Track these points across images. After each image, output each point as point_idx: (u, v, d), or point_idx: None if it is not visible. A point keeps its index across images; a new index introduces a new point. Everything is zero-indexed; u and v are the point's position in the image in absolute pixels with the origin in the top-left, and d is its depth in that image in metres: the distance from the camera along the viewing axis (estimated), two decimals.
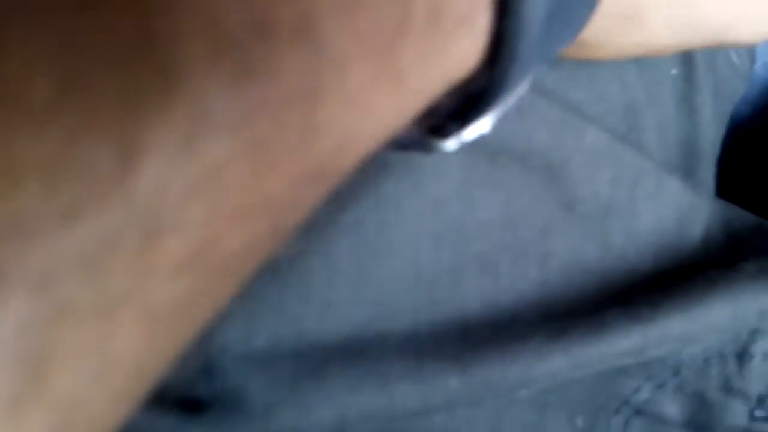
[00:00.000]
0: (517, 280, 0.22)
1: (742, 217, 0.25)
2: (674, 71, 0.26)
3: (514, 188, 0.22)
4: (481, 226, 0.22)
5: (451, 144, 0.15)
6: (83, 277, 0.09)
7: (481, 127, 0.15)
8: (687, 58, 0.26)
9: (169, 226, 0.09)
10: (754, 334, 0.24)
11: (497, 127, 0.22)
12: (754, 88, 0.35)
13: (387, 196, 0.21)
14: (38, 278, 0.08)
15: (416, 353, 0.21)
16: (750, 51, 0.29)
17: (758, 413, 0.24)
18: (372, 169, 0.21)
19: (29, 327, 0.08)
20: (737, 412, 0.24)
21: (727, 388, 0.24)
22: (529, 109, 0.22)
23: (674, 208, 0.24)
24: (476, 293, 0.22)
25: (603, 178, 0.23)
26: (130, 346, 0.10)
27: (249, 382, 0.21)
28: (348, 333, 0.21)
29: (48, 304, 0.08)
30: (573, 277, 0.23)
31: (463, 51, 0.13)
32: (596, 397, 0.24)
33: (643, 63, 0.25)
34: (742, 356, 0.24)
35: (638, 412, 0.24)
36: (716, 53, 0.27)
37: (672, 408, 0.24)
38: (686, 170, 0.26)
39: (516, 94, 0.15)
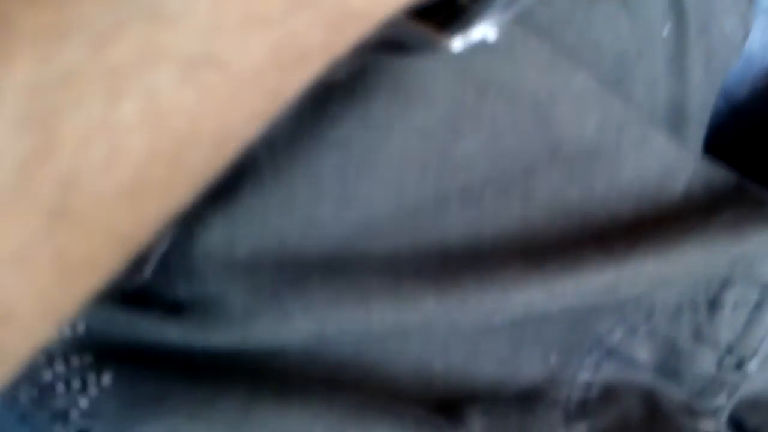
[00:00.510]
0: (499, 215, 0.23)
1: (724, 176, 0.25)
2: (666, 32, 0.27)
3: (500, 123, 0.23)
4: (465, 157, 0.23)
5: (457, 43, 0.16)
6: (89, 47, 0.09)
7: (486, 30, 0.16)
8: (679, 19, 0.27)
9: (171, 15, 0.10)
10: (725, 283, 0.24)
11: (487, 61, 0.23)
12: (752, 69, 0.35)
13: (375, 118, 0.21)
14: (45, 39, 0.09)
15: (396, 273, 0.22)
16: (744, 22, 0.30)
17: (726, 362, 0.25)
18: (361, 90, 0.21)
19: (37, 88, 0.09)
20: (706, 360, 0.25)
21: (698, 336, 0.25)
22: (520, 46, 0.22)
23: (658, 160, 0.25)
24: (458, 223, 0.23)
25: (589, 123, 0.23)
26: (134, 140, 0.10)
27: (229, 288, 0.21)
28: (330, 249, 0.22)
29: (55, 68, 0.09)
30: (554, 217, 0.24)
31: None
32: (570, 336, 0.25)
33: (636, 17, 0.26)
34: (713, 304, 0.25)
35: (610, 353, 0.25)
36: (708, 20, 0.28)
37: (643, 352, 0.25)
38: (672, 131, 0.27)
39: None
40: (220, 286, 0.21)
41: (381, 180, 0.22)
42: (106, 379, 0.23)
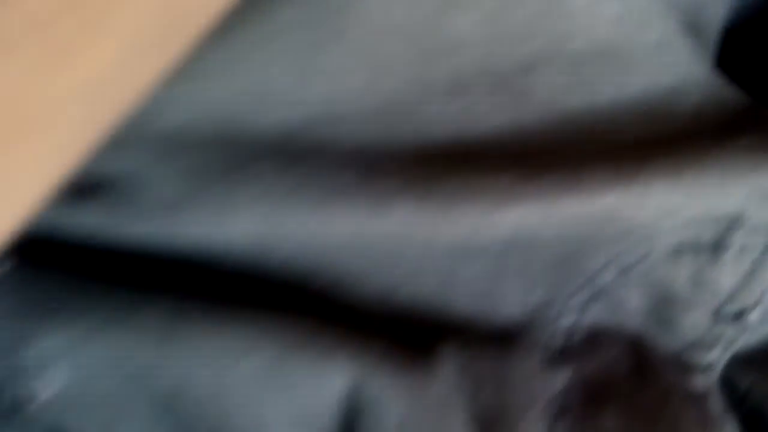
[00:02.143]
0: (490, 112, 0.20)
1: (737, 98, 0.23)
2: None
3: (505, 2, 0.19)
4: (459, 37, 0.19)
5: None
6: None
7: None
8: None
9: None
10: (733, 222, 0.22)
11: None
12: None
13: None
14: None
15: (366, 169, 0.19)
16: None
17: (725, 312, 0.23)
18: None
19: None
20: (704, 309, 0.23)
21: (697, 280, 0.23)
22: None
23: (673, 70, 0.22)
24: (443, 116, 0.20)
25: (605, 13, 0.21)
26: None
27: (156, 167, 0.17)
28: (287, 130, 0.18)
29: None
30: (552, 124, 0.21)
31: None
32: (558, 271, 0.22)
33: None
34: (718, 246, 0.22)
35: (599, 294, 0.23)
36: None
37: (635, 295, 0.23)
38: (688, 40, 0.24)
39: None
40: (145, 162, 0.17)
41: (356, 51, 0.18)
42: (6, 265, 0.18)
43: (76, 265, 0.19)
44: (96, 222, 0.18)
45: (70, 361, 0.19)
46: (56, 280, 0.19)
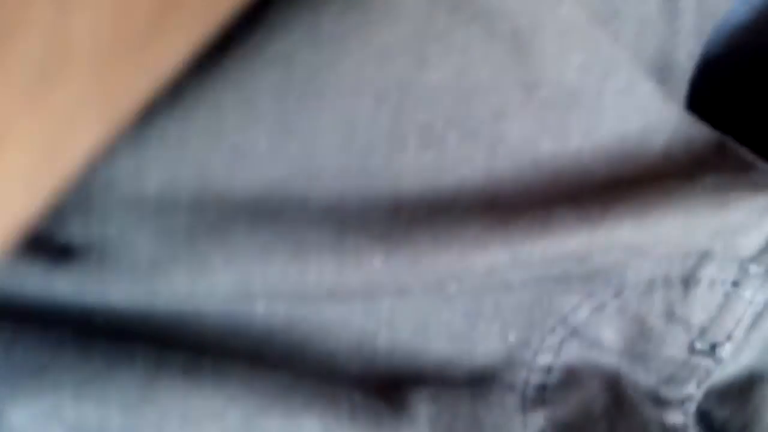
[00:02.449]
0: (462, 162, 0.20)
1: (705, 134, 0.23)
2: None
3: (473, 53, 0.20)
4: (429, 91, 0.20)
5: None
6: None
7: None
8: None
9: None
10: (703, 257, 0.22)
11: None
12: (728, 24, 0.33)
13: (325, 33, 0.18)
14: None
15: (338, 224, 0.19)
16: None
17: (698, 345, 0.23)
18: None
19: None
20: (677, 343, 0.23)
21: (669, 315, 0.23)
22: None
23: (641, 113, 0.23)
24: (414, 168, 0.20)
25: (572, 62, 0.21)
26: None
27: (135, 230, 0.18)
28: (260, 189, 0.19)
29: None
30: (523, 168, 0.21)
31: None
32: (532, 312, 0.23)
33: None
34: (689, 281, 0.23)
35: (574, 332, 0.23)
36: None
37: (610, 332, 0.23)
38: (659, 80, 0.24)
39: None
40: (124, 227, 0.18)
41: (327, 110, 0.19)
42: None
43: (48, 333, 0.19)
44: (72, 286, 0.18)
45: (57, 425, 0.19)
46: (27, 350, 0.19)
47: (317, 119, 0.19)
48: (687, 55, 0.26)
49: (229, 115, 0.18)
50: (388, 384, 0.21)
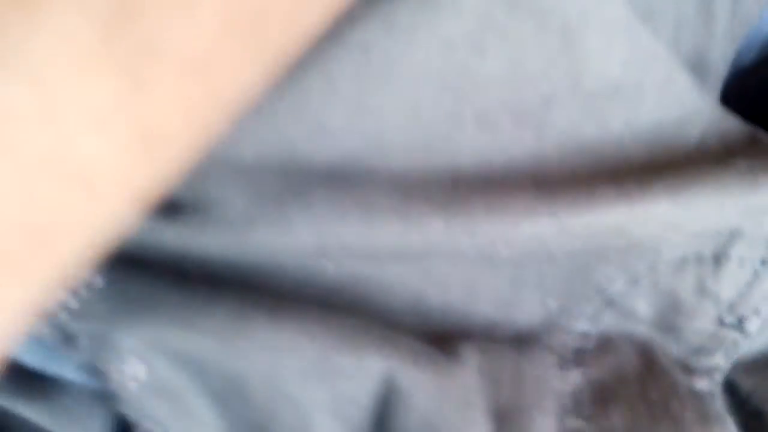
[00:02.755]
0: (513, 143, 0.23)
1: (739, 127, 0.25)
2: None
3: (527, 46, 0.22)
4: (486, 78, 0.22)
5: None
6: None
7: None
8: None
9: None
10: (733, 236, 0.24)
11: None
12: (761, 34, 0.35)
13: (399, 25, 0.21)
14: None
15: (403, 192, 0.22)
16: None
17: (727, 319, 0.25)
18: None
19: None
20: (707, 316, 0.25)
21: (700, 290, 0.25)
22: None
23: (678, 104, 0.25)
24: (471, 147, 0.22)
25: (616, 56, 0.23)
26: (209, 11, 0.11)
27: (231, 191, 0.21)
28: (338, 160, 0.21)
29: None
30: (567, 151, 0.24)
31: None
32: (571, 282, 0.25)
33: None
34: (719, 258, 0.25)
35: (610, 303, 0.25)
36: None
37: (643, 304, 0.25)
38: (694, 78, 0.27)
39: None
40: (223, 188, 0.21)
41: (398, 92, 0.22)
42: (98, 281, 0.22)
43: (156, 275, 0.22)
44: (178, 237, 0.21)
45: (146, 359, 0.22)
46: (138, 289, 0.22)
47: (388, 100, 0.21)
48: (721, 57, 0.28)
49: (312, 94, 0.21)
50: (441, 336, 0.24)
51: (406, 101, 0.22)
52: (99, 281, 0.22)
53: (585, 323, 0.25)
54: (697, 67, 0.27)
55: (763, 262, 0.25)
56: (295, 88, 0.21)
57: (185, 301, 0.21)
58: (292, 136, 0.21)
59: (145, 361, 0.22)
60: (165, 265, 0.22)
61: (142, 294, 0.21)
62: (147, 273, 0.22)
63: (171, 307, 0.21)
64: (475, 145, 0.23)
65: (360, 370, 0.22)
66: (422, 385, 0.22)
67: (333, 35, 0.21)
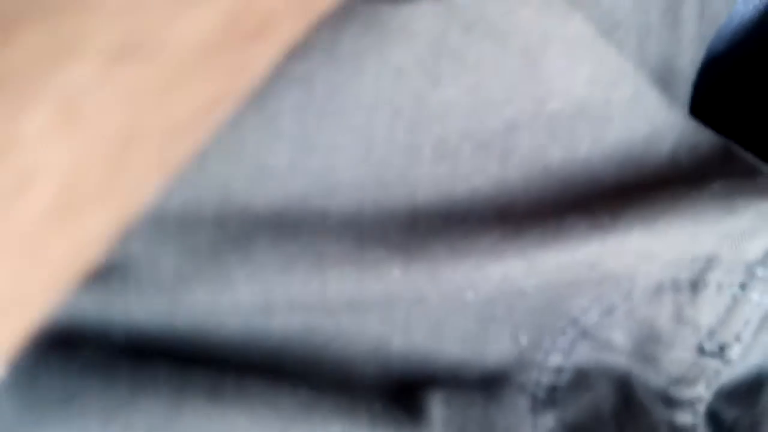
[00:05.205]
0: (476, 173, 0.22)
1: (710, 140, 0.25)
2: None
3: (485, 69, 0.21)
4: (444, 106, 0.21)
5: None
6: None
7: None
8: None
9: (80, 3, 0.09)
10: (710, 261, 0.24)
11: None
12: (732, 23, 0.35)
13: (344, 54, 0.19)
14: None
15: (357, 237, 0.20)
16: None
17: (707, 347, 0.25)
18: (330, 19, 0.19)
19: None
20: (686, 345, 0.25)
21: (678, 317, 0.24)
22: None
23: (647, 120, 0.24)
24: (430, 180, 0.21)
25: (581, 75, 0.22)
26: (53, 153, 0.10)
27: (159, 247, 0.19)
28: (282, 204, 0.20)
29: None
30: (534, 178, 0.23)
31: None
32: (543, 315, 0.24)
33: None
34: (697, 284, 0.24)
35: (585, 335, 0.24)
36: None
37: (620, 334, 0.25)
38: (661, 87, 0.26)
39: None
40: (148, 244, 0.19)
41: (346, 125, 0.20)
42: (2, 372, 0.19)
43: (72, 358, 0.20)
44: (96, 305, 0.19)
45: None
46: (49, 379, 0.20)
47: (336, 135, 0.20)
48: (689, 62, 0.27)
49: (250, 134, 0.19)
50: (403, 388, 0.22)
51: (356, 135, 0.20)
52: (4, 371, 0.19)
53: (558, 357, 0.24)
54: (665, 75, 0.26)
55: (742, 287, 0.24)
56: (230, 126, 0.19)
57: (109, 389, 0.19)
58: (227, 180, 0.19)
59: None
60: (83, 343, 0.20)
61: (57, 385, 0.19)
62: (61, 356, 0.20)
63: (92, 398, 0.19)
64: (434, 177, 0.21)
65: None
66: None
67: (271, 70, 0.19)
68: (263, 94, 0.19)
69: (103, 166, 0.10)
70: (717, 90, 0.36)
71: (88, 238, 0.11)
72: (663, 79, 0.26)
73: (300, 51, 0.19)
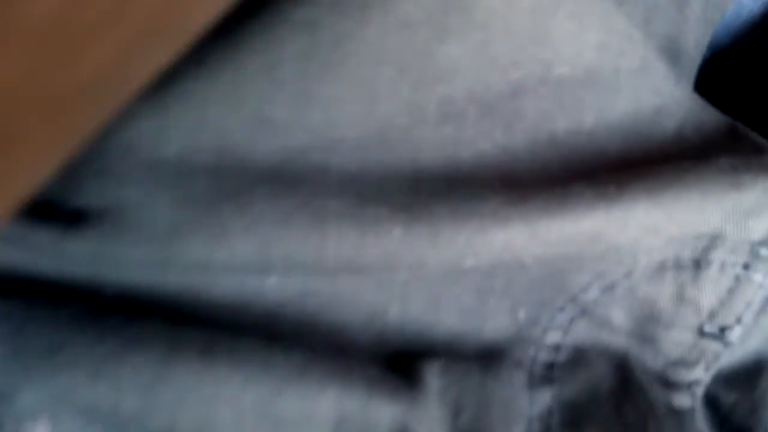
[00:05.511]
0: (480, 137, 0.21)
1: (717, 118, 0.24)
2: None
3: (493, 28, 0.21)
4: (450, 64, 0.20)
5: None
6: None
7: None
8: None
9: None
10: (714, 239, 0.23)
11: None
12: (739, 17, 0.34)
13: (349, 2, 0.19)
14: None
15: (358, 194, 0.20)
16: None
17: (708, 329, 0.24)
18: None
19: None
20: (686, 326, 0.24)
21: (680, 297, 0.24)
22: None
23: (654, 93, 0.24)
24: (434, 141, 0.21)
25: (589, 41, 0.22)
26: None
27: (153, 195, 0.18)
28: (281, 157, 0.19)
29: None
30: (539, 145, 0.22)
31: None
32: (542, 290, 0.23)
33: None
34: (699, 263, 0.24)
35: (584, 312, 0.24)
36: None
37: (619, 313, 0.24)
38: (668, 65, 0.25)
39: None
40: (142, 191, 0.18)
41: (349, 79, 0.19)
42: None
43: (59, 308, 0.19)
44: (86, 254, 0.18)
45: (51, 420, 0.18)
46: (37, 330, 0.19)
47: (339, 88, 0.19)
48: (695, 43, 0.27)
49: (251, 81, 0.19)
50: (400, 357, 0.22)
51: (360, 89, 0.20)
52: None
53: (556, 334, 0.24)
54: (670, 53, 0.26)
55: (746, 267, 0.24)
56: (230, 73, 0.18)
57: (96, 343, 0.18)
58: (226, 130, 0.19)
59: (50, 422, 0.19)
60: (71, 294, 0.19)
61: (44, 336, 0.18)
62: (49, 304, 0.19)
63: (80, 350, 0.18)
64: (439, 139, 0.21)
65: (308, 417, 0.20)
66: (380, 421, 0.20)
67: (274, 13, 0.18)
68: (264, 40, 0.18)
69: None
70: (724, 84, 0.36)
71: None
72: (668, 57, 0.26)
73: None
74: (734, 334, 0.24)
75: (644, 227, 0.23)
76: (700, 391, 0.25)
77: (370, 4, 0.19)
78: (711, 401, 0.25)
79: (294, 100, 0.19)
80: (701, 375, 0.25)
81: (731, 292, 0.24)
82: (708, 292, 0.24)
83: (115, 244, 0.18)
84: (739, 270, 0.24)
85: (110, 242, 0.18)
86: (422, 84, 0.20)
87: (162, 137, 0.18)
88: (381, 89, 0.20)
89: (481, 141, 0.21)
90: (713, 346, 0.24)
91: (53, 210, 0.19)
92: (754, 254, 0.24)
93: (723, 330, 0.24)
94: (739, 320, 0.24)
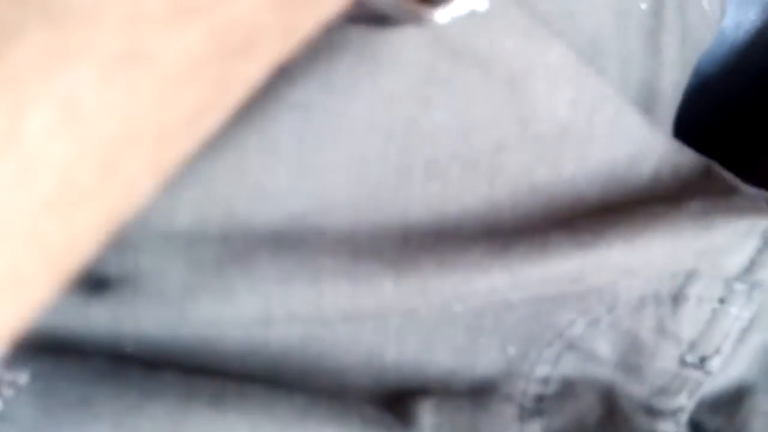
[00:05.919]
0: (465, 191, 0.23)
1: (692, 160, 0.26)
2: (644, 6, 0.27)
3: (472, 95, 0.23)
4: (434, 129, 0.22)
5: (442, 15, 0.15)
6: None
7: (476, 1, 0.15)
8: None
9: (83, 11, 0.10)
10: (690, 276, 0.25)
11: (463, 27, 0.22)
12: (723, 46, 0.36)
13: (339, 81, 0.21)
14: None
15: (352, 252, 0.22)
16: (721, 0, 0.31)
17: (689, 358, 0.26)
18: (325, 49, 0.21)
19: None
20: (668, 356, 0.26)
21: (660, 330, 0.25)
22: (497, 13, 0.22)
23: (629, 141, 0.25)
24: (421, 198, 0.23)
25: (563, 98, 0.24)
26: (54, 149, 0.11)
27: (168, 261, 0.21)
28: (281, 222, 0.21)
29: None
30: (520, 196, 0.24)
31: None
32: (530, 327, 0.25)
33: None
34: (677, 298, 0.25)
35: (571, 346, 0.25)
36: None
37: (604, 346, 0.26)
38: (643, 110, 0.27)
39: None
40: (157, 258, 0.20)
41: (342, 148, 0.22)
42: (23, 377, 0.21)
43: (86, 363, 0.21)
44: (108, 315, 0.21)
45: None
46: (66, 384, 0.21)
47: (332, 157, 0.22)
48: (672, 85, 0.28)
49: (253, 156, 0.21)
50: (396, 397, 0.24)
51: (351, 157, 0.22)
52: (24, 377, 0.21)
53: (545, 368, 0.26)
54: (647, 99, 0.27)
55: (722, 301, 0.26)
56: (234, 149, 0.21)
57: (120, 395, 0.21)
58: (231, 200, 0.21)
59: None
60: (96, 350, 0.21)
61: (73, 391, 0.21)
62: (76, 362, 0.21)
63: (104, 404, 0.20)
64: (426, 196, 0.23)
65: None
66: None
67: (271, 95, 0.21)
68: (263, 119, 0.21)
69: (98, 164, 0.12)
70: (709, 110, 0.38)
71: (83, 230, 0.12)
72: (645, 102, 0.28)
73: (298, 78, 0.21)
74: (714, 363, 0.26)
75: (620, 270, 0.24)
76: (684, 418, 0.26)
77: (358, 82, 0.21)
78: (696, 427, 0.27)
79: (291, 171, 0.21)
80: (685, 402, 0.26)
81: (709, 324, 0.26)
82: (687, 324, 0.26)
83: (134, 306, 0.21)
84: (715, 304, 0.26)
85: (130, 304, 0.21)
86: (408, 148, 0.22)
87: (174, 210, 0.21)
88: (370, 155, 0.22)
89: (465, 195, 0.23)
90: (695, 374, 0.26)
91: (79, 278, 0.21)
92: (729, 289, 0.26)
93: (703, 360, 0.26)
94: (718, 350, 0.26)
